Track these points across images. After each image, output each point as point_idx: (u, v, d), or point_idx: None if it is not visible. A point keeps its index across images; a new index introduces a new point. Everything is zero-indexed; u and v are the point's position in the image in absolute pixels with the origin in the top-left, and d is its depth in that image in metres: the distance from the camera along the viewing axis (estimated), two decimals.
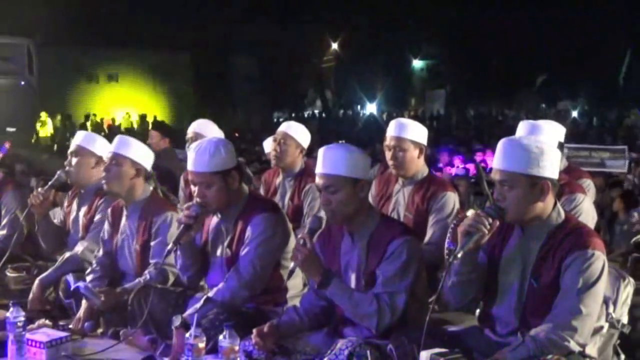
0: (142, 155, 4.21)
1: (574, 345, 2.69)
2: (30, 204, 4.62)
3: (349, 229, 3.25)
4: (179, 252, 3.61)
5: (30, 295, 4.38)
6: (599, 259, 2.74)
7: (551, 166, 2.81)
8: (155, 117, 26.48)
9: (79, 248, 4.51)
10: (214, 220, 3.73)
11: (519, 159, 2.79)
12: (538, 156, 2.78)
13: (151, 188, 4.33)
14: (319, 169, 3.18)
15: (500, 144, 2.87)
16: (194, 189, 3.56)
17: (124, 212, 4.25)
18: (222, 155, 3.51)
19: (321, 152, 3.19)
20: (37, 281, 4.44)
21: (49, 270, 4.50)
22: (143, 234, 4.11)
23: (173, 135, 7.35)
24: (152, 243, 4.06)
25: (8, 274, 4.68)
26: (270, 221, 3.56)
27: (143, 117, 27.45)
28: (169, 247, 3.50)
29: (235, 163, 3.59)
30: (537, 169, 2.78)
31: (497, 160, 2.86)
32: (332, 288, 3.12)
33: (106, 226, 4.35)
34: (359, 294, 3.13)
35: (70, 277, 4.22)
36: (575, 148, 10.17)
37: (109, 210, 4.36)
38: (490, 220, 2.77)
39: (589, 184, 4.81)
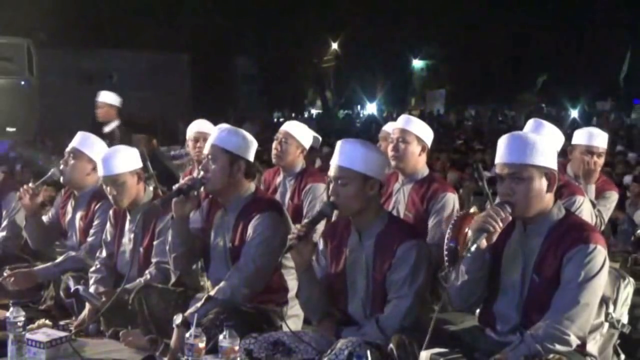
0: (135, 161, 4.20)
1: (573, 339, 2.69)
2: (19, 198, 4.61)
3: (356, 226, 3.25)
4: (170, 230, 3.65)
5: (17, 272, 4.38)
6: (600, 254, 2.75)
7: (553, 157, 2.83)
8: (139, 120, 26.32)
9: (82, 251, 4.51)
10: (218, 213, 3.75)
11: (526, 150, 2.78)
12: (544, 147, 2.80)
13: (152, 189, 4.33)
14: (333, 159, 3.19)
15: (504, 139, 2.85)
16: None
17: (127, 216, 4.25)
18: (237, 138, 3.60)
19: (339, 143, 3.21)
20: (33, 269, 4.45)
21: (48, 264, 4.51)
22: (147, 236, 4.12)
23: (157, 135, 7.35)
24: (154, 242, 4.07)
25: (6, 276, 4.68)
26: (272, 220, 3.57)
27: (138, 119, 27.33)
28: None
29: (247, 156, 3.62)
30: (543, 158, 2.79)
31: (502, 154, 2.83)
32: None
33: (108, 228, 4.36)
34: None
35: (70, 282, 4.23)
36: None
37: (111, 212, 4.36)
38: (503, 215, 2.77)
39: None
